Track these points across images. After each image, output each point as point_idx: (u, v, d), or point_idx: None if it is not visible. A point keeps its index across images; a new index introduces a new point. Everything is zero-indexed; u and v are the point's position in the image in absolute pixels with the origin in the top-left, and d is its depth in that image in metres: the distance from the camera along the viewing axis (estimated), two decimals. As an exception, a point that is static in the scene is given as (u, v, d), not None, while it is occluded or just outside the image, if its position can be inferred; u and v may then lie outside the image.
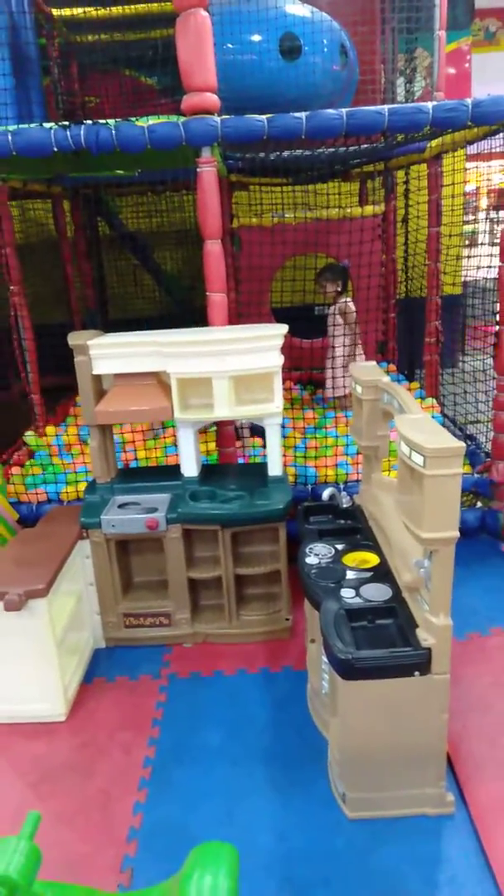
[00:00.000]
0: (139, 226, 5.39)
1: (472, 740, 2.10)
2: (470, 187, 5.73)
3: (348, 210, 4.50)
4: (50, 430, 4.07)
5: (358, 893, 1.68)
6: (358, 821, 1.87)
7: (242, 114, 2.57)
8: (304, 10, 3.56)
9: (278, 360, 2.55)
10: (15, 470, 3.55)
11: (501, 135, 2.96)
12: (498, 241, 3.00)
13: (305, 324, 4.25)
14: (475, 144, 3.23)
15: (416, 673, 1.74)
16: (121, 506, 2.66)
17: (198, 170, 2.66)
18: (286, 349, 2.62)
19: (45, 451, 3.83)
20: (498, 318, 3.10)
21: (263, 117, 2.54)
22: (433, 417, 2.03)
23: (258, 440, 3.56)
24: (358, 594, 1.92)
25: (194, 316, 3.07)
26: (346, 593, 1.92)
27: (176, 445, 2.85)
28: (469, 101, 2.56)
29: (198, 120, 2.54)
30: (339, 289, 4.11)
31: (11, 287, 3.75)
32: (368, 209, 4.56)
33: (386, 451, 2.36)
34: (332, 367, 4.03)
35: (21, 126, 2.56)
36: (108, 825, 1.92)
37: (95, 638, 2.74)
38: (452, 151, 3.63)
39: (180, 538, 2.59)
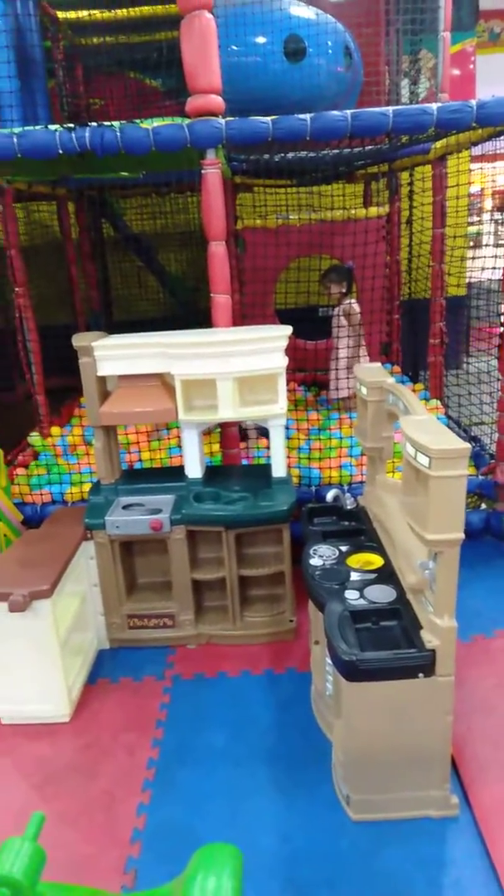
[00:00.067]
0: (143, 227, 5.40)
1: (476, 742, 2.09)
2: (474, 189, 5.72)
3: (353, 211, 4.49)
4: (54, 430, 4.08)
5: (362, 896, 1.67)
6: (362, 823, 1.86)
7: (247, 115, 2.57)
8: (308, 12, 3.56)
9: (282, 361, 2.55)
10: (19, 471, 3.56)
11: (506, 136, 2.96)
12: (502, 242, 3.00)
13: (310, 325, 4.25)
14: (480, 146, 3.23)
15: (421, 675, 1.73)
16: (125, 507, 2.67)
17: (202, 171, 2.66)
18: (290, 350, 2.62)
19: (49, 452, 3.84)
20: (502, 319, 3.09)
21: (268, 119, 2.54)
22: (437, 419, 2.03)
23: (264, 441, 3.56)
24: (362, 596, 1.92)
25: (198, 317, 3.08)
26: (351, 595, 1.92)
27: (180, 447, 2.85)
28: (474, 102, 2.56)
29: (202, 122, 2.54)
30: (344, 290, 4.11)
31: (16, 288, 3.76)
32: (373, 210, 4.55)
33: (390, 453, 2.35)
34: (337, 369, 4.03)
35: (26, 128, 2.57)
36: (111, 826, 1.92)
37: (99, 639, 2.74)
38: (457, 153, 3.62)
39: (184, 539, 2.59)
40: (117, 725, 2.31)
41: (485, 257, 3.61)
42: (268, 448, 2.84)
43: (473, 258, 4.05)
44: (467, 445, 1.58)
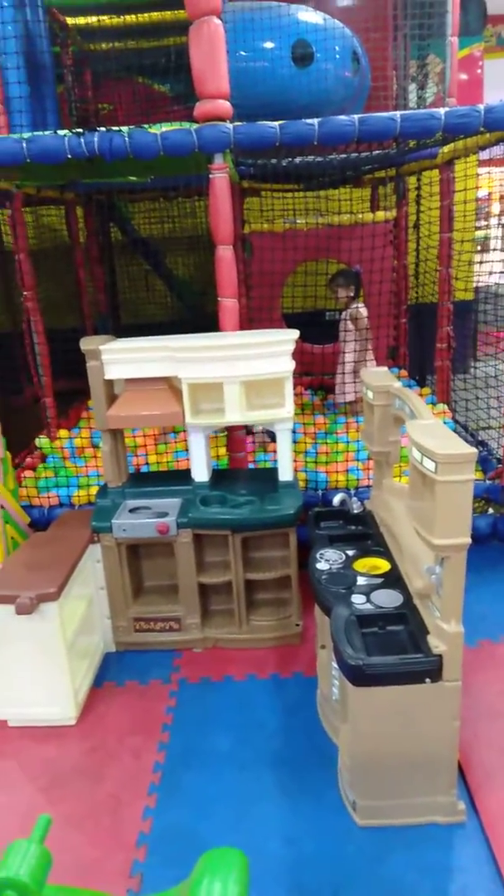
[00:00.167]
0: (151, 231, 5.42)
1: (482, 748, 2.08)
2: (482, 193, 5.71)
3: (360, 216, 4.49)
4: (62, 433, 4.09)
5: (368, 902, 1.67)
6: (368, 828, 1.86)
7: (255, 120, 2.58)
8: (316, 18, 3.58)
9: (289, 365, 2.55)
10: (27, 473, 3.57)
11: (514, 140, 2.95)
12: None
13: (317, 329, 4.25)
14: (487, 150, 3.22)
15: (427, 680, 1.73)
16: (132, 510, 2.67)
17: (210, 176, 2.67)
18: (297, 354, 2.62)
19: (57, 455, 3.85)
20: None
21: (276, 124, 2.55)
22: (444, 423, 2.02)
23: (273, 445, 3.56)
24: (369, 600, 1.92)
25: (206, 321, 3.08)
26: (357, 599, 1.92)
27: (186, 450, 2.86)
28: (481, 106, 2.56)
29: (210, 127, 2.55)
30: (352, 294, 4.11)
31: (25, 292, 3.78)
32: (380, 215, 4.55)
33: (397, 457, 2.35)
34: (343, 373, 4.03)
35: (35, 133, 2.59)
36: (117, 830, 1.92)
37: (106, 642, 2.74)
38: (464, 157, 3.62)
39: (191, 543, 2.60)
40: (123, 729, 2.31)
41: (492, 261, 3.60)
42: (275, 451, 2.83)
43: (481, 262, 4.04)
44: (474, 450, 1.58)
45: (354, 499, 2.47)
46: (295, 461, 3.00)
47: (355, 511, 2.44)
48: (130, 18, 3.95)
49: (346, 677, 1.76)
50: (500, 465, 3.27)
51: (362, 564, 2.11)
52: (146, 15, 3.95)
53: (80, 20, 4.01)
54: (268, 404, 2.61)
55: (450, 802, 1.85)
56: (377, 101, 3.77)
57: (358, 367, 3.97)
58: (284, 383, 2.57)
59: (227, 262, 2.75)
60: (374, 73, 3.78)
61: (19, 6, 3.10)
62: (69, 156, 2.55)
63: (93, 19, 4.02)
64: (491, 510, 3.31)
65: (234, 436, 3.04)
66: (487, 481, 3.29)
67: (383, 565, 2.10)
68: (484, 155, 3.40)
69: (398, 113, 2.55)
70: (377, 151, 3.50)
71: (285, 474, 2.73)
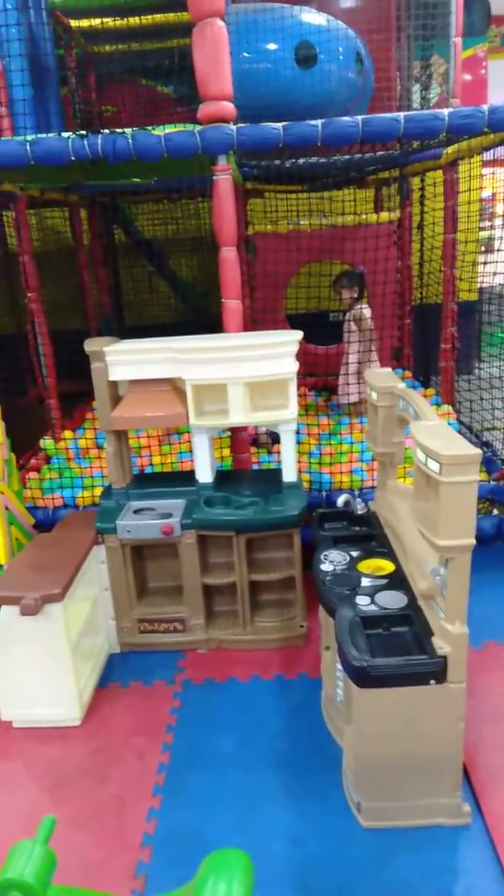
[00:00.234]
0: (155, 233, 5.44)
1: (487, 750, 2.08)
2: (486, 193, 5.70)
3: (364, 217, 4.49)
4: (66, 435, 4.10)
5: (372, 903, 1.67)
6: (373, 830, 1.85)
7: (258, 122, 2.58)
8: (319, 19, 3.58)
9: (293, 366, 2.55)
10: (31, 475, 3.58)
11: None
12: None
13: (320, 330, 4.25)
14: (491, 150, 3.22)
15: (432, 681, 1.73)
16: (136, 511, 2.67)
17: (213, 177, 2.68)
18: (301, 355, 2.62)
19: (61, 456, 3.86)
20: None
21: (279, 125, 2.55)
22: (449, 424, 2.02)
23: (277, 447, 3.56)
24: (373, 601, 1.91)
25: (209, 322, 3.09)
26: (362, 600, 1.92)
27: (191, 451, 2.86)
28: (485, 107, 2.56)
29: (214, 128, 2.56)
30: (356, 295, 4.11)
31: (29, 294, 3.79)
32: (384, 216, 4.55)
33: (401, 458, 2.35)
34: (347, 374, 4.03)
35: (39, 136, 2.60)
36: (122, 830, 1.92)
37: (110, 643, 2.74)
38: (468, 158, 3.62)
39: (195, 544, 2.60)
40: (128, 729, 2.32)
41: (496, 262, 3.59)
42: (278, 453, 2.84)
43: (485, 263, 4.03)
44: (478, 451, 1.58)
45: (358, 500, 2.47)
46: (299, 462, 3.00)
47: (359, 512, 2.44)
48: (134, 21, 3.96)
49: (351, 678, 1.76)
50: (505, 466, 3.26)
51: (366, 565, 2.11)
52: (149, 17, 3.96)
53: (84, 23, 4.02)
54: (272, 405, 2.62)
55: (454, 804, 1.85)
56: (381, 102, 3.77)
57: (362, 367, 3.97)
58: (288, 384, 2.57)
59: (230, 263, 2.76)
60: (377, 74, 3.78)
61: (23, 9, 3.11)
62: (73, 158, 2.56)
63: (96, 22, 4.03)
64: (495, 511, 3.30)
65: (238, 437, 3.04)
66: (492, 482, 3.28)
67: (387, 566, 2.10)
68: (488, 155, 3.40)
69: (402, 114, 2.56)
70: (381, 152, 3.50)
71: (289, 475, 2.73)
